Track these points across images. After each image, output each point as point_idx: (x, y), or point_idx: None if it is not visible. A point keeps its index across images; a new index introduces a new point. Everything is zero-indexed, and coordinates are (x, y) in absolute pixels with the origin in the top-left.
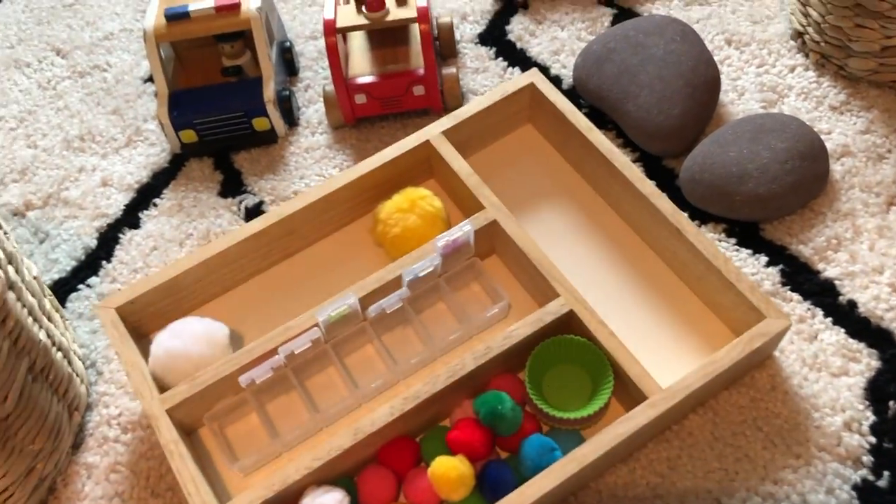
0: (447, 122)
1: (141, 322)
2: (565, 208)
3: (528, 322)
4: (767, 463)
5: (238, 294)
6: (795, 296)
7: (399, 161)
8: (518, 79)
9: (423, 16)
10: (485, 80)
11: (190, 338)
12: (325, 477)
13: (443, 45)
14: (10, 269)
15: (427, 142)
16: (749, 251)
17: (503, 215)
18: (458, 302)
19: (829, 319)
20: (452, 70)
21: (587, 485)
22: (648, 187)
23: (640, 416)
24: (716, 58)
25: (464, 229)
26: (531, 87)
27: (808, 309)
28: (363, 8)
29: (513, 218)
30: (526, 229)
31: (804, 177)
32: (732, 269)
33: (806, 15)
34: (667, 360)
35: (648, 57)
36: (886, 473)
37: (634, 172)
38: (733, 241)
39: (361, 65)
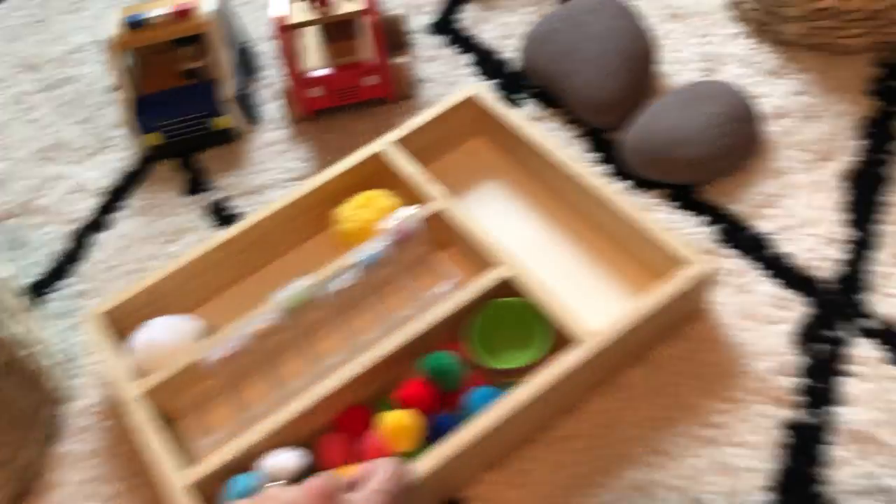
0: (397, 133)
1: (124, 327)
2: (512, 199)
3: (469, 289)
4: (705, 409)
5: (214, 304)
6: (733, 252)
7: (354, 172)
8: (459, 93)
9: (370, 8)
10: (438, 68)
11: (163, 329)
12: (283, 442)
13: (394, 36)
14: None
15: (378, 153)
16: (691, 213)
17: (450, 204)
18: (412, 285)
19: (764, 272)
20: (404, 59)
21: (534, 438)
22: (577, 167)
23: (570, 358)
24: (659, 32)
25: (409, 212)
26: (473, 100)
27: (745, 263)
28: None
29: (459, 205)
30: (474, 215)
31: (739, 138)
32: (659, 226)
33: None
34: (604, 315)
35: (588, 35)
36: (815, 411)
37: (563, 156)
38: (675, 204)
39: (316, 59)
